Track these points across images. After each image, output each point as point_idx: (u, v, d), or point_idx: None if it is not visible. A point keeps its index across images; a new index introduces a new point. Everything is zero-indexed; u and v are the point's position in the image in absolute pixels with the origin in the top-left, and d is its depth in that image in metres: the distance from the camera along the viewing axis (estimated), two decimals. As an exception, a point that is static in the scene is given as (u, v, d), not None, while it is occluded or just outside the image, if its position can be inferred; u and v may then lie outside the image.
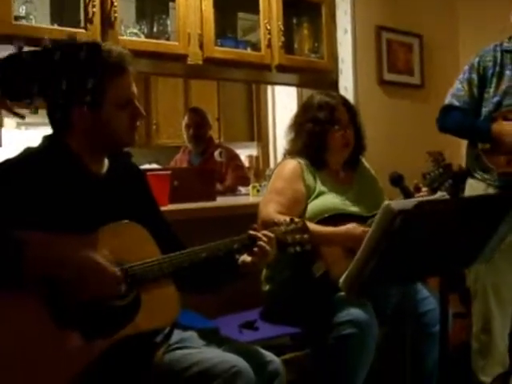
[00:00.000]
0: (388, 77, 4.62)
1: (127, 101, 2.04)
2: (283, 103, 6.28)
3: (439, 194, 2.30)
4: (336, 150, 3.01)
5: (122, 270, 1.88)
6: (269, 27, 3.98)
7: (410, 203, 1.84)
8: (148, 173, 2.65)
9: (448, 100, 3.32)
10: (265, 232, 2.15)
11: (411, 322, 2.91)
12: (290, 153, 3.05)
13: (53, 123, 2.06)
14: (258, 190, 4.13)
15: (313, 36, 4.42)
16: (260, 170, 6.71)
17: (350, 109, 3.05)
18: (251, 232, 2.15)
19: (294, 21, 4.40)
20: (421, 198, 2.27)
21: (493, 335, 3.28)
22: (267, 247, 2.12)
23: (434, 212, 1.96)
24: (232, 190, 4.66)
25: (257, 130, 7.12)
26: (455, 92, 3.31)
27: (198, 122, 5.12)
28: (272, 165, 6.81)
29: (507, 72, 3.20)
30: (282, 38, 4.04)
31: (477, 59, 3.28)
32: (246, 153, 6.72)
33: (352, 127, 3.04)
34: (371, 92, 4.53)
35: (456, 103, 3.27)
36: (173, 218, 2.60)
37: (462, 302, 3.43)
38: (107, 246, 1.88)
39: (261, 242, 2.12)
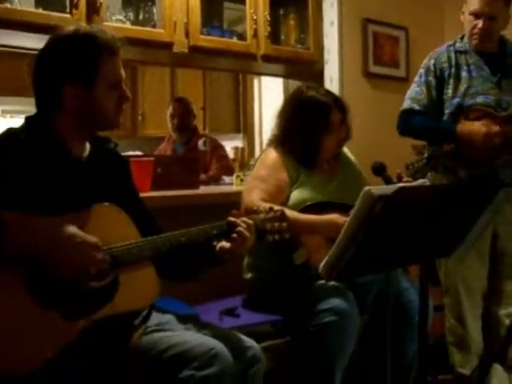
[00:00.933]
0: (373, 69, 4.64)
1: (117, 82, 2.06)
2: (270, 95, 6.30)
3: (420, 181, 2.31)
4: (328, 151, 3.01)
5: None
6: (255, 17, 3.99)
7: (390, 189, 1.85)
8: (131, 159, 2.64)
9: (408, 104, 3.32)
10: (244, 219, 2.16)
11: (392, 312, 2.92)
12: (276, 143, 3.02)
13: (41, 103, 2.06)
14: (241, 180, 4.12)
15: (299, 27, 4.43)
16: (245, 162, 6.73)
17: (341, 107, 3.01)
18: (230, 218, 2.15)
19: (281, 11, 4.41)
20: (401, 184, 2.28)
21: (467, 328, 3.31)
22: (246, 233, 2.12)
23: (415, 198, 1.98)
24: (216, 180, 4.66)
25: (243, 122, 7.14)
26: (414, 96, 3.31)
27: (183, 112, 5.13)
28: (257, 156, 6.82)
29: (463, 73, 3.22)
30: (268, 28, 4.05)
31: (432, 61, 3.29)
32: (231, 144, 6.73)
33: (344, 125, 3.02)
34: (356, 84, 4.54)
35: (417, 107, 3.28)
36: (155, 204, 2.60)
37: (442, 295, 3.45)
38: (87, 228, 1.88)
39: (239, 229, 2.12)
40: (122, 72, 2.09)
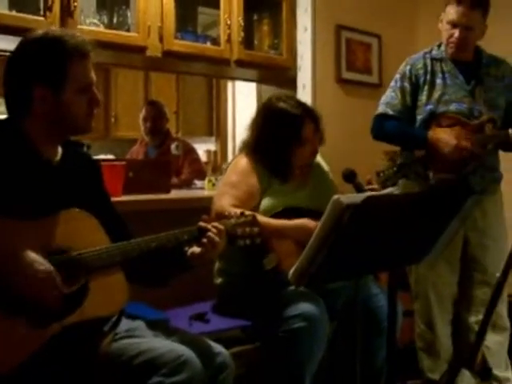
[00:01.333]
0: (346, 75, 4.66)
1: (87, 86, 2.05)
2: (243, 99, 6.31)
3: (390, 189, 2.33)
4: (302, 161, 3.01)
5: (69, 257, 1.88)
6: (229, 22, 3.99)
7: (359, 197, 1.87)
8: (103, 163, 2.63)
9: (382, 109, 3.35)
10: (214, 224, 2.16)
11: (362, 317, 2.95)
12: (248, 150, 3.02)
13: (11, 107, 2.05)
14: (213, 184, 4.14)
15: (273, 32, 4.44)
16: (218, 165, 6.74)
17: (314, 118, 3.01)
18: (201, 223, 2.15)
19: (255, 17, 4.42)
20: (370, 193, 2.30)
21: (436, 334, 3.36)
22: (216, 239, 2.13)
23: (383, 207, 2.00)
24: (188, 184, 4.65)
25: (216, 125, 7.16)
26: (389, 101, 3.34)
27: (156, 115, 5.13)
28: (230, 159, 6.83)
29: (438, 80, 3.26)
30: (242, 34, 4.05)
31: (408, 67, 3.32)
32: (204, 147, 6.75)
33: (318, 134, 3.02)
34: (329, 90, 4.56)
35: (390, 112, 3.31)
36: (126, 209, 2.60)
37: (411, 301, 3.49)
38: (56, 233, 1.88)
39: (210, 234, 2.13)
40: (93, 75, 2.08)
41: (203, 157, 6.06)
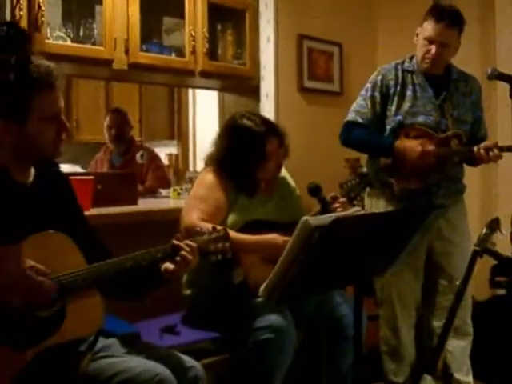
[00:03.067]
0: (308, 84, 4.73)
1: (54, 115, 2.07)
2: (204, 103, 6.36)
3: (354, 209, 2.41)
4: (268, 176, 3.07)
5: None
6: (193, 34, 4.02)
7: (326, 219, 1.94)
8: (71, 177, 2.65)
9: (352, 116, 3.41)
10: (188, 242, 2.20)
11: (327, 325, 3.03)
12: (215, 165, 3.07)
13: None
14: (178, 193, 4.18)
15: (236, 42, 4.49)
16: (179, 169, 6.77)
17: (278, 135, 3.06)
18: (174, 242, 2.19)
19: (219, 27, 4.46)
20: (337, 214, 2.38)
21: (400, 339, 3.46)
22: (189, 257, 2.17)
23: (350, 226, 2.08)
24: (152, 192, 4.67)
25: (177, 129, 7.16)
26: (359, 109, 3.40)
27: (120, 123, 5.14)
28: (191, 164, 6.87)
29: (408, 92, 3.33)
30: (206, 45, 4.09)
31: (379, 77, 3.38)
32: (165, 151, 6.76)
33: (282, 149, 3.08)
34: (291, 99, 4.62)
35: (360, 120, 3.37)
36: (94, 222, 2.62)
37: (375, 305, 3.58)
38: (32, 257, 1.90)
39: (183, 252, 2.17)
40: (60, 104, 2.10)
41: (165, 160, 6.08)
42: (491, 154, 3.15)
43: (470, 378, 3.46)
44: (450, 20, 3.19)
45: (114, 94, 6.98)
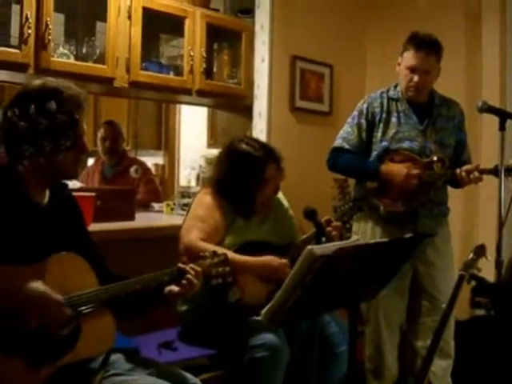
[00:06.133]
0: (299, 104, 4.84)
1: (80, 138, 2.18)
2: (192, 114, 6.41)
3: (354, 238, 2.52)
4: (265, 198, 3.17)
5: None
6: (192, 54, 4.13)
7: (330, 248, 2.05)
8: (75, 193, 2.73)
9: (339, 143, 3.52)
10: (193, 266, 2.29)
11: (318, 343, 3.13)
12: (214, 187, 3.15)
13: (9, 153, 2.15)
14: (171, 209, 4.26)
15: (232, 62, 4.60)
16: (166, 180, 6.84)
17: (276, 159, 3.15)
18: (180, 265, 2.28)
19: (215, 46, 4.57)
20: (340, 243, 2.47)
21: (384, 358, 3.56)
22: (195, 281, 2.27)
23: (351, 255, 2.19)
24: (144, 205, 4.73)
25: (164, 140, 7.20)
26: (346, 135, 3.51)
27: (114, 135, 5.17)
28: (176, 174, 6.93)
29: (393, 119, 3.45)
30: (204, 65, 4.20)
31: (365, 105, 3.51)
32: (152, 161, 6.81)
33: (279, 173, 3.17)
34: (283, 118, 4.73)
35: (346, 146, 3.49)
36: (95, 238, 2.69)
37: (360, 322, 3.67)
38: (49, 278, 1.98)
39: (189, 276, 2.26)
40: (84, 126, 2.22)
41: (151, 170, 6.13)
42: (472, 176, 3.26)
43: (452, 397, 3.57)
44: (429, 48, 3.33)
45: (103, 104, 7.00)
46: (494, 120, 3.07)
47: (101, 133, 5.17)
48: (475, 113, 3.24)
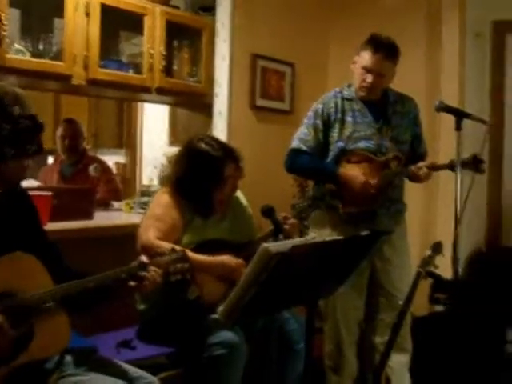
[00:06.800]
0: (260, 102, 4.84)
1: None
2: (153, 112, 6.38)
3: (311, 236, 2.53)
4: (224, 198, 3.16)
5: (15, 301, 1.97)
6: (152, 51, 4.11)
7: (285, 246, 2.06)
8: (31, 192, 2.70)
9: (295, 144, 3.52)
10: (152, 263, 2.28)
11: (276, 339, 3.14)
12: (172, 186, 3.15)
13: None
14: (131, 207, 4.24)
15: (192, 60, 4.59)
16: (127, 178, 6.80)
17: (235, 159, 3.15)
18: (139, 262, 2.27)
19: (175, 44, 4.55)
20: (295, 241, 2.47)
21: (343, 354, 3.59)
22: (153, 278, 2.27)
23: (307, 253, 2.21)
24: (104, 204, 4.68)
25: (126, 138, 7.15)
26: (302, 137, 3.51)
27: (73, 133, 5.11)
28: (138, 172, 6.90)
29: (348, 118, 3.47)
30: (163, 62, 4.18)
31: (320, 106, 3.51)
32: (113, 159, 6.77)
33: (238, 172, 3.17)
34: (243, 116, 4.73)
35: (303, 148, 3.48)
36: (52, 238, 2.67)
37: (319, 318, 3.70)
38: (1, 278, 1.97)
39: (147, 273, 2.25)
40: None
41: (113, 169, 6.08)
42: (421, 172, 3.33)
43: (410, 392, 3.61)
44: (387, 52, 3.35)
45: (63, 102, 6.92)
46: (453, 119, 3.11)
47: (60, 131, 5.10)
48: (434, 111, 3.28)
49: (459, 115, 3.11)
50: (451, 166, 3.18)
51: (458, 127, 3.07)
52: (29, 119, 2.10)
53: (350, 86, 3.55)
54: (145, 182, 6.55)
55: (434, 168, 3.36)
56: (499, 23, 5.08)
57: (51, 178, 5.17)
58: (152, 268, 2.26)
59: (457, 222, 3.02)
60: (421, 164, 3.36)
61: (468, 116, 3.14)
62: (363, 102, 3.49)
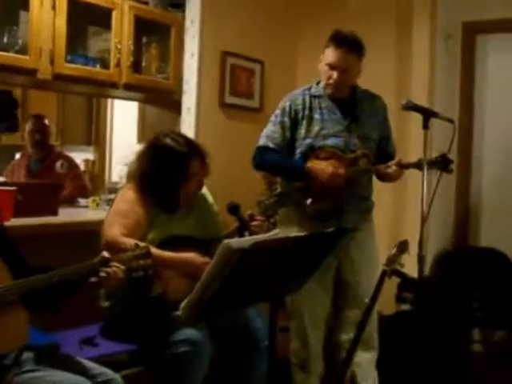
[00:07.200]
0: (229, 100, 4.82)
1: None
2: (123, 109, 6.35)
3: (274, 232, 2.53)
4: (189, 194, 3.14)
5: None
6: (119, 46, 4.06)
7: (247, 242, 2.05)
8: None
9: (263, 141, 3.51)
10: (114, 259, 2.28)
11: (241, 337, 3.13)
12: (136, 182, 3.12)
13: None
14: (97, 204, 4.21)
15: (160, 57, 4.54)
16: (95, 175, 6.75)
17: (201, 155, 3.13)
18: (101, 259, 2.26)
19: (144, 40, 4.50)
20: (257, 237, 2.47)
21: (310, 351, 3.58)
22: (115, 274, 2.26)
23: (269, 249, 2.20)
24: (70, 200, 4.65)
25: (95, 135, 7.11)
26: (270, 134, 3.50)
27: (43, 129, 5.12)
28: (107, 170, 6.86)
29: (316, 116, 3.46)
30: (131, 58, 4.14)
31: (288, 103, 3.50)
32: (82, 157, 6.72)
33: (204, 170, 3.15)
34: (212, 114, 4.70)
35: (271, 145, 3.48)
36: (14, 233, 2.64)
37: (287, 317, 3.69)
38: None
39: (109, 269, 2.25)
40: None
41: (81, 166, 6.05)
42: (390, 170, 3.35)
43: (376, 389, 3.62)
44: (350, 46, 3.33)
45: (31, 97, 6.84)
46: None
47: (29, 125, 5.07)
48: (403, 111, 3.29)
49: (426, 114, 3.13)
50: (419, 165, 3.19)
51: (426, 126, 3.08)
52: (4, 94, 2.06)
53: (318, 83, 3.54)
54: (115, 179, 6.52)
55: (402, 166, 3.37)
56: (469, 24, 5.14)
57: (18, 173, 5.15)
58: (114, 264, 2.24)
59: (423, 220, 3.03)
60: (389, 163, 3.38)
61: (435, 115, 3.16)
62: (331, 99, 3.48)
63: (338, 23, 3.75)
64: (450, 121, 3.18)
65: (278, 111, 3.54)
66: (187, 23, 4.56)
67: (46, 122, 5.21)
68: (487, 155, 5.23)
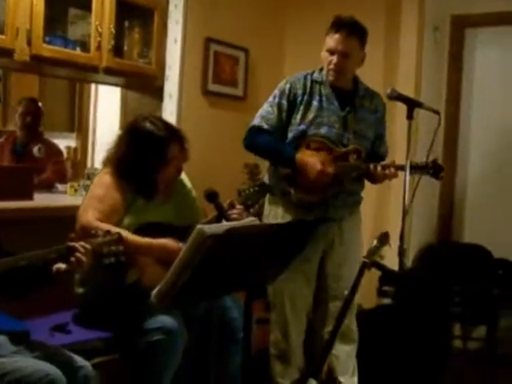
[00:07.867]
0: (212, 87, 4.77)
1: None
2: (106, 97, 6.28)
3: (250, 219, 2.47)
4: (167, 179, 3.07)
5: None
6: (100, 29, 3.97)
7: (221, 228, 2.00)
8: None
9: (257, 121, 3.44)
10: (82, 243, 2.21)
11: (217, 328, 3.08)
12: (114, 166, 3.06)
13: None
14: (75, 190, 4.14)
15: (143, 41, 4.46)
16: (78, 162, 6.66)
17: (180, 139, 3.07)
18: (69, 243, 2.20)
19: (126, 24, 4.41)
20: (232, 223, 2.42)
21: (290, 343, 3.55)
22: (83, 258, 2.20)
23: (244, 236, 2.14)
24: (48, 185, 4.58)
25: (77, 122, 7.02)
26: (265, 115, 3.44)
27: (35, 112, 5.07)
28: (89, 157, 6.79)
29: (314, 102, 3.40)
30: (112, 41, 4.05)
31: (288, 85, 3.43)
32: (64, 143, 6.63)
33: (183, 153, 3.09)
34: (195, 101, 4.65)
35: (265, 126, 3.41)
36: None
37: (265, 309, 3.66)
38: None
39: (77, 253, 2.19)
40: None
41: (63, 152, 5.97)
42: (387, 171, 3.29)
43: (355, 379, 3.60)
44: (349, 29, 3.29)
45: (13, 83, 6.74)
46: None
47: (21, 108, 5.03)
48: (391, 102, 3.25)
49: (410, 104, 3.07)
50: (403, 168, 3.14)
51: (410, 116, 3.03)
52: None
53: (322, 69, 3.48)
54: (98, 166, 6.44)
55: (397, 168, 3.32)
56: (458, 17, 5.13)
57: (1, 155, 5.06)
58: (81, 245, 2.18)
59: (404, 213, 2.98)
60: (386, 163, 3.36)
61: (420, 105, 3.11)
62: (333, 88, 3.42)
63: (326, 12, 3.72)
64: (436, 112, 3.14)
65: (276, 92, 3.47)
66: (171, 8, 4.50)
67: (40, 105, 5.16)
68: (473, 148, 5.23)
